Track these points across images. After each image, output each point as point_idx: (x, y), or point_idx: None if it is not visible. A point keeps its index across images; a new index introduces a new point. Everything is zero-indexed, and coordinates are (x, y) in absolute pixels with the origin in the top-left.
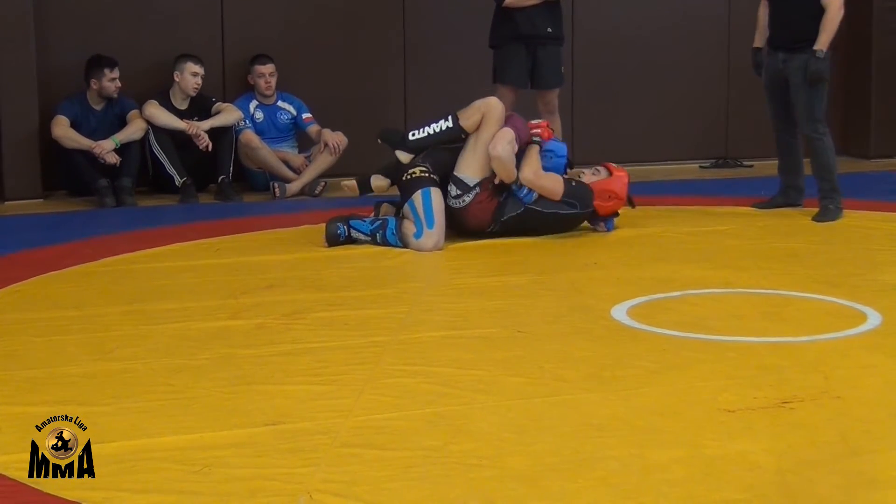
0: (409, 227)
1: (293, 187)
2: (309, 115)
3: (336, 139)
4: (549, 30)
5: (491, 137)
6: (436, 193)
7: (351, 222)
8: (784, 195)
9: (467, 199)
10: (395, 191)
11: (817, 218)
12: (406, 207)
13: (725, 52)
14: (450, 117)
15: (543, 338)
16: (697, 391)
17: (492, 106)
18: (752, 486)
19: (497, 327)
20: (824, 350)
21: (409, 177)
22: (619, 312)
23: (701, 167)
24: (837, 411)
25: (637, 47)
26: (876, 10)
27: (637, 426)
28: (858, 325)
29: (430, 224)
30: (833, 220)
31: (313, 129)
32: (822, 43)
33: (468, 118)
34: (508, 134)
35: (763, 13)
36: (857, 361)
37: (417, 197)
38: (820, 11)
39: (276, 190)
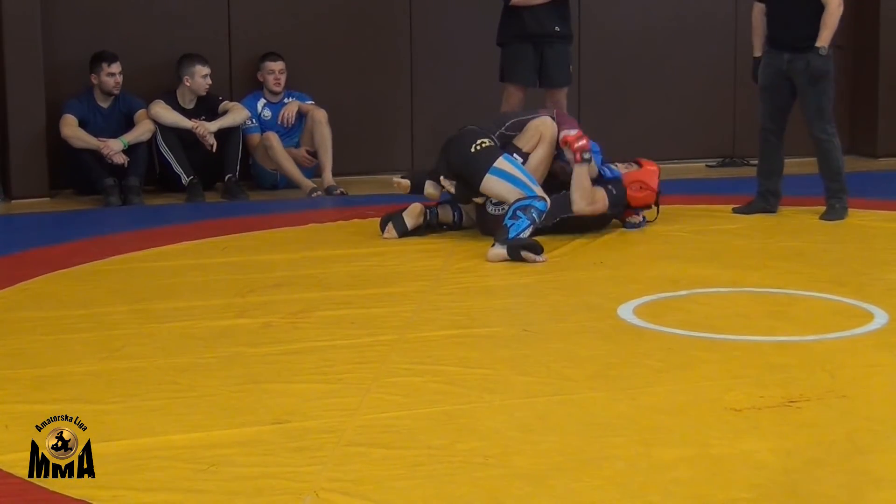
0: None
1: (322, 182)
2: (311, 102)
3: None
4: (557, 28)
5: (547, 155)
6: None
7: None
8: (764, 199)
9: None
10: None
11: (824, 217)
12: (491, 177)
13: (732, 50)
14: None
15: (550, 337)
16: (704, 390)
17: (548, 127)
18: (759, 485)
19: (503, 326)
20: (831, 349)
21: (478, 147)
22: (626, 311)
23: (707, 166)
24: (844, 410)
25: (644, 46)
26: (883, 7)
27: (643, 425)
28: (865, 324)
29: (534, 181)
30: (839, 218)
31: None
32: (824, 40)
33: (528, 140)
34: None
35: (758, 16)
36: (864, 360)
37: (503, 163)
38: (821, 8)
39: (314, 194)
